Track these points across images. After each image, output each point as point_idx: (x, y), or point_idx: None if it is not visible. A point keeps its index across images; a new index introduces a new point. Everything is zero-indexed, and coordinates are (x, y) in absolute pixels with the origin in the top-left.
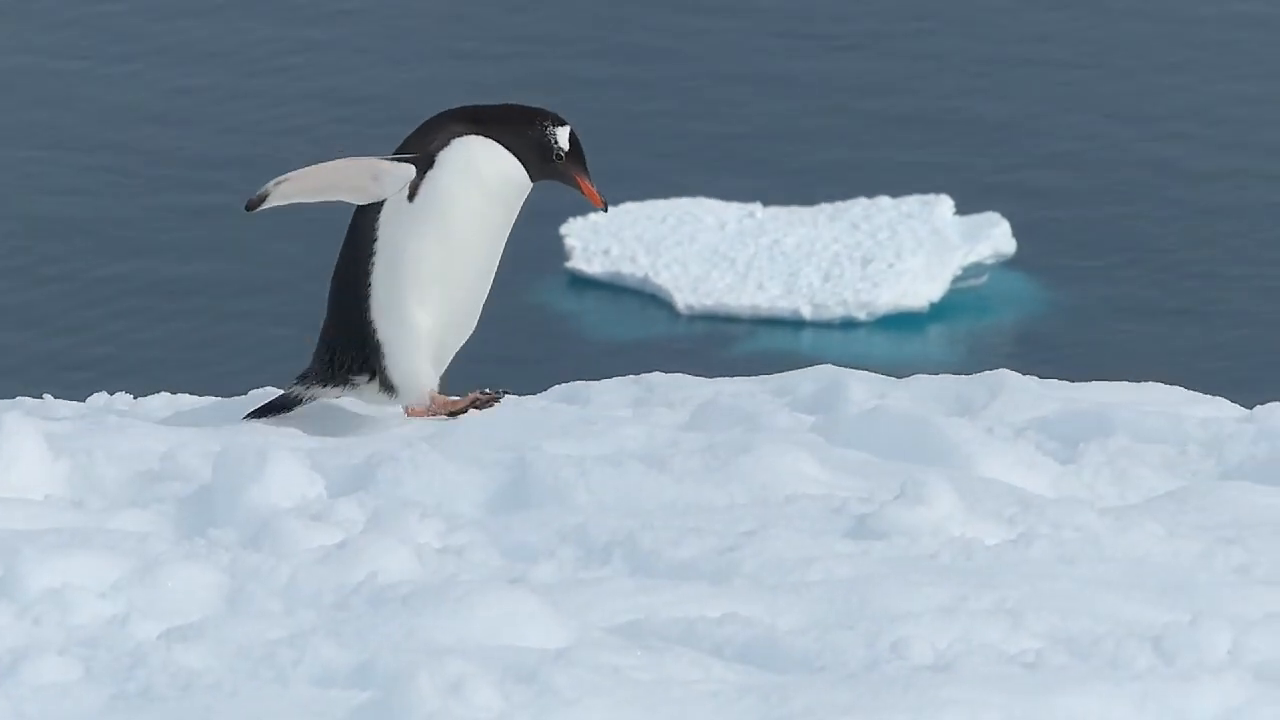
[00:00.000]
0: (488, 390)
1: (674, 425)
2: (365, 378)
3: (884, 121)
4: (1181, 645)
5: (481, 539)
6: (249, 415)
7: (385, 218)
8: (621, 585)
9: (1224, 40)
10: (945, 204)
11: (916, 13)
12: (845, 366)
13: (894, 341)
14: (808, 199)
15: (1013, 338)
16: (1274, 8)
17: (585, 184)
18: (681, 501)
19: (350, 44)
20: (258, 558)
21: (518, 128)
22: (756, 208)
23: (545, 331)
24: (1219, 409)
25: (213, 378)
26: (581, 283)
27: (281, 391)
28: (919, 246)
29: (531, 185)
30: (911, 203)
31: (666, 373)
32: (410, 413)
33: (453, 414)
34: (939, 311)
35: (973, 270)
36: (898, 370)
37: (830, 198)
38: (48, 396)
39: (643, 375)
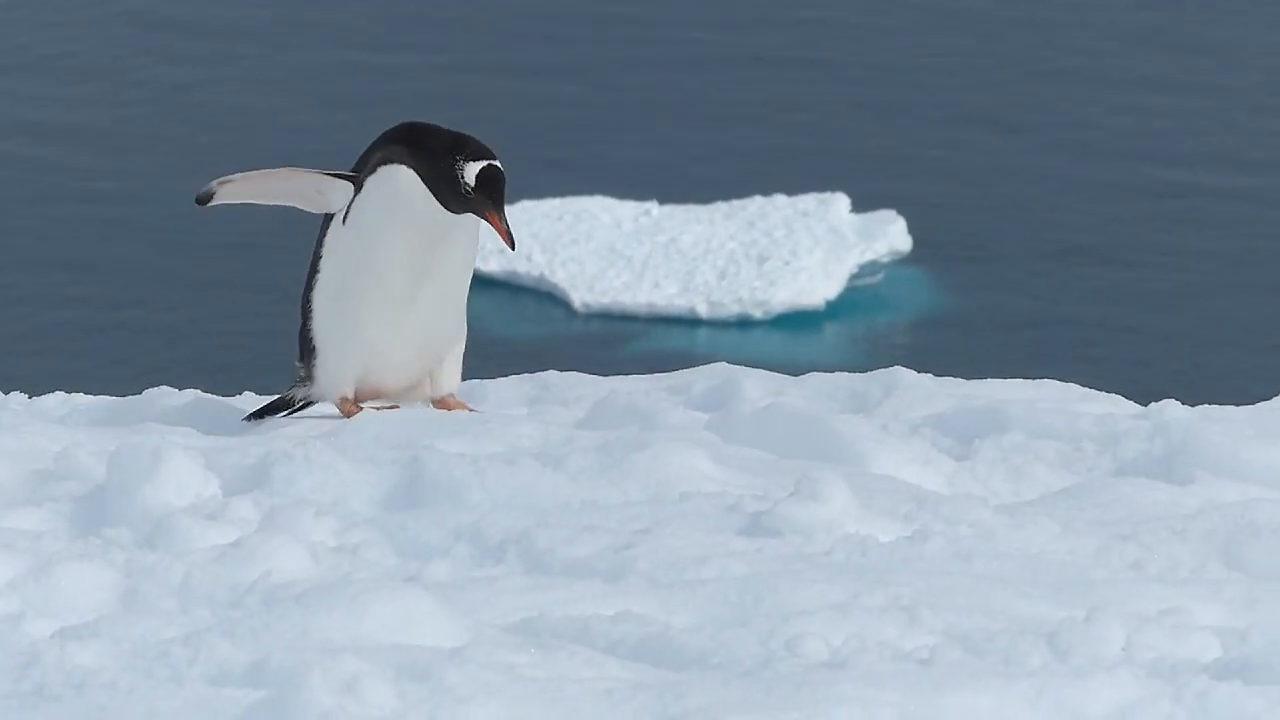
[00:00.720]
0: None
1: (569, 423)
2: (304, 370)
3: (780, 119)
4: (1076, 642)
5: (376, 537)
6: (248, 416)
7: (328, 234)
8: (516, 583)
9: (1121, 45)
10: (841, 202)
11: (813, 12)
12: (741, 365)
13: (790, 340)
14: (704, 197)
15: (908, 335)
16: (1166, 16)
17: (494, 220)
18: (576, 499)
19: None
20: (152, 557)
21: (435, 159)
22: (652, 206)
23: None
24: (1114, 406)
25: (107, 379)
26: (477, 281)
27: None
28: (815, 245)
29: (455, 215)
30: (808, 201)
31: (562, 371)
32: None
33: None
34: (835, 309)
35: (869, 268)
36: (794, 368)
37: (726, 196)
38: None
39: (538, 373)
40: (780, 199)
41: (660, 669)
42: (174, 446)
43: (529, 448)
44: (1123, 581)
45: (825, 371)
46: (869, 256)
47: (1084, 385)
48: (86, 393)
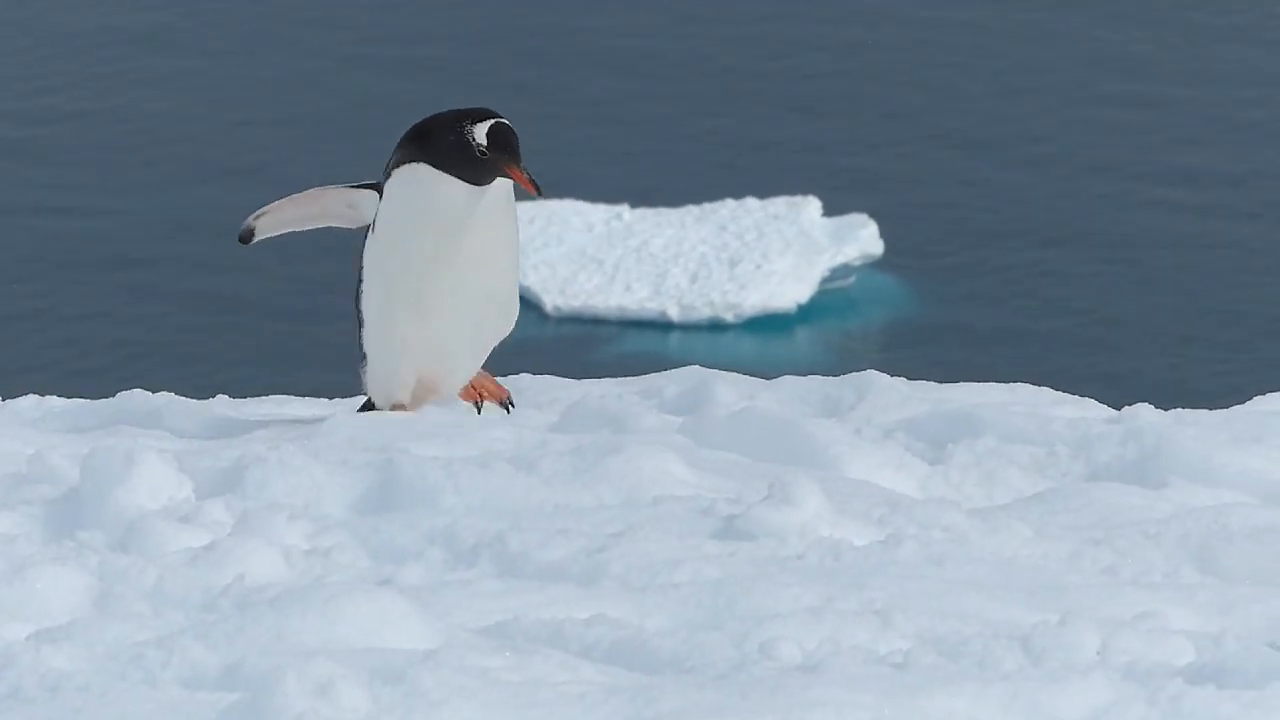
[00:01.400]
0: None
1: (542, 427)
2: (362, 378)
3: (751, 123)
4: (1049, 646)
5: (349, 541)
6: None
7: (365, 247)
8: (489, 587)
9: (1090, 59)
10: (813, 205)
11: (783, 12)
12: (713, 368)
13: (762, 343)
14: (675, 201)
15: (881, 339)
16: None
17: (516, 173)
18: (549, 503)
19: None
20: (126, 560)
21: (442, 140)
22: (624, 209)
23: None
24: (1087, 410)
25: (85, 381)
26: None
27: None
28: (786, 248)
29: (484, 188)
30: (779, 204)
31: (534, 374)
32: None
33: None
34: (806, 313)
35: (840, 272)
36: (766, 372)
37: (698, 199)
38: None
39: (510, 377)
40: (752, 202)
41: (634, 672)
42: (147, 449)
43: (502, 451)
44: (1096, 586)
45: (798, 375)
46: (840, 260)
47: (1057, 389)
48: (60, 395)
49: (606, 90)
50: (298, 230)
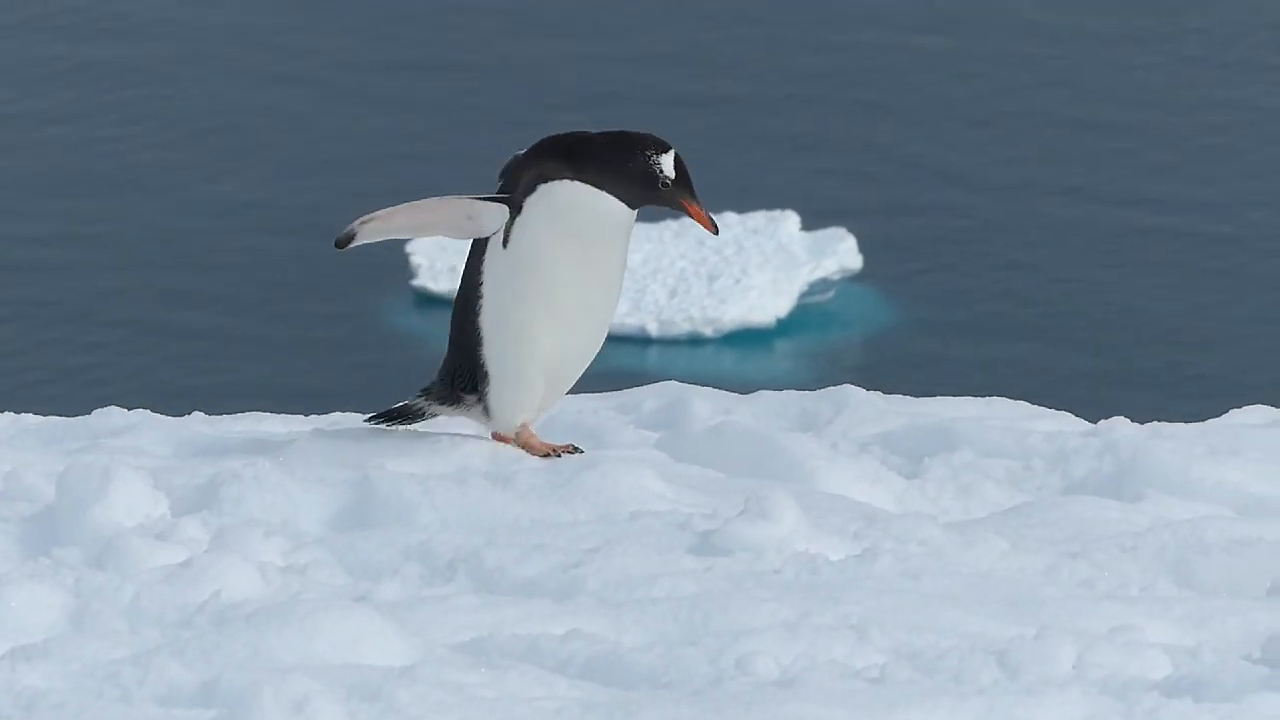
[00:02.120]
0: (575, 447)
1: None
2: (474, 399)
3: (728, 137)
4: (1026, 659)
5: (326, 557)
6: (370, 419)
7: (488, 259)
8: (465, 603)
9: (1073, 73)
10: (791, 220)
11: (759, 26)
12: (691, 383)
13: (740, 358)
14: (653, 215)
15: (859, 353)
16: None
17: (694, 209)
18: (525, 519)
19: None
20: (102, 577)
21: (619, 161)
22: None
23: (391, 349)
24: (1063, 423)
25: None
26: (427, 300)
27: (403, 402)
28: (765, 262)
29: (634, 213)
30: (757, 219)
31: None
32: (495, 438)
33: (529, 451)
34: (785, 327)
35: (819, 286)
36: (744, 386)
37: (676, 214)
38: None
39: None
40: (730, 217)
41: (610, 688)
42: (123, 466)
43: (478, 467)
44: (1073, 599)
45: (775, 390)
46: (819, 274)
47: (1034, 403)
48: (35, 413)
49: (581, 103)
50: (398, 238)
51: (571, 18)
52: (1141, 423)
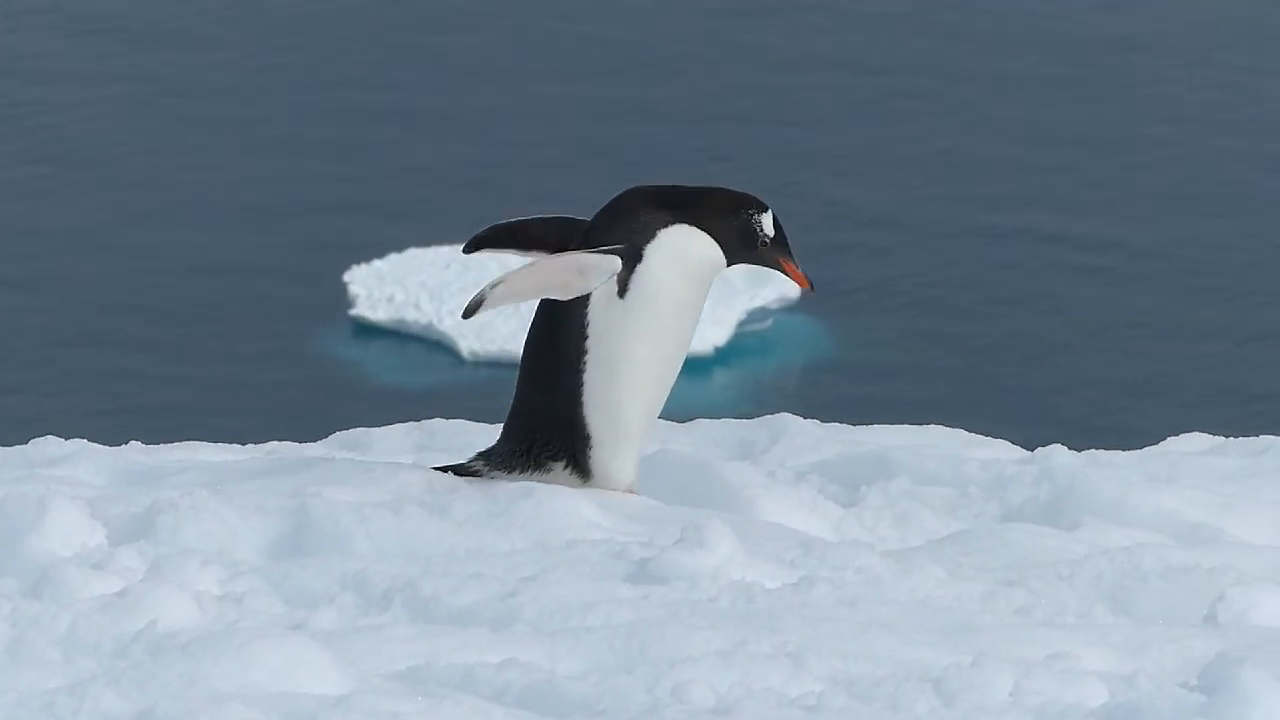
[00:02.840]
0: None
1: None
2: (562, 464)
3: (666, 166)
4: (962, 687)
5: (262, 586)
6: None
7: (595, 312)
8: (402, 631)
9: (997, 92)
10: None
11: (695, 48)
12: None
13: (678, 386)
14: None
15: (797, 382)
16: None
17: (790, 268)
18: (461, 547)
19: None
20: (38, 606)
21: (722, 214)
22: (541, 255)
23: (328, 379)
24: (999, 451)
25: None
26: (365, 330)
27: (457, 463)
28: None
29: (727, 268)
30: None
31: (448, 419)
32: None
33: None
34: (723, 356)
35: (757, 315)
36: (682, 415)
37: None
38: None
39: (424, 421)
40: None
41: (546, 717)
42: (59, 496)
43: (415, 496)
44: (1009, 627)
45: (713, 418)
46: (757, 303)
47: (971, 431)
48: None
49: (519, 134)
50: (519, 302)
51: (508, 66)
52: (1078, 450)
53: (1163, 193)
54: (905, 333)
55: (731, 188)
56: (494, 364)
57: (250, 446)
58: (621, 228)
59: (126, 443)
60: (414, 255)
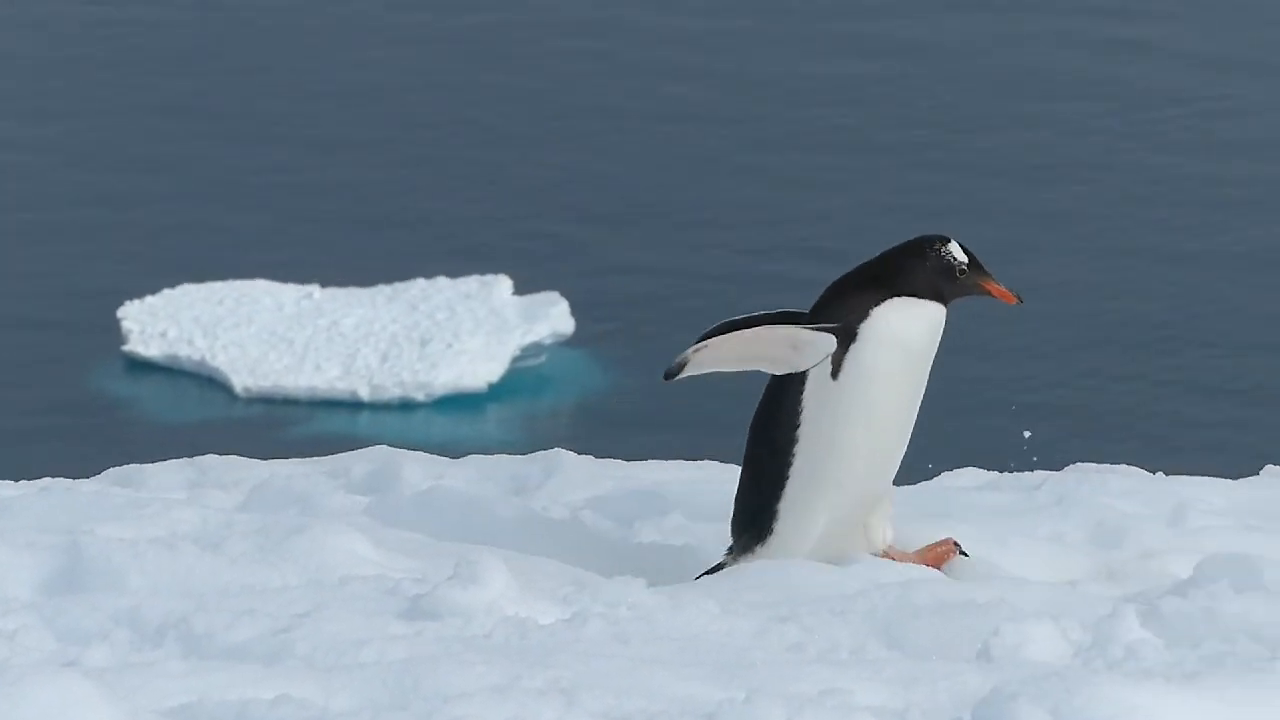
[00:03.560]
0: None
1: (228, 507)
2: (757, 547)
3: (440, 202)
4: None
5: (35, 622)
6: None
7: (809, 394)
8: (174, 668)
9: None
10: (504, 284)
11: (466, 91)
12: (402, 448)
13: (453, 422)
14: (366, 280)
15: (571, 417)
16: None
17: (995, 288)
18: (235, 583)
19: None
20: None
21: (915, 267)
22: (314, 289)
23: (100, 415)
24: None
25: None
26: (138, 366)
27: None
28: (477, 327)
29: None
30: (470, 283)
31: (221, 455)
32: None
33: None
34: (497, 392)
35: (531, 350)
36: (456, 451)
37: (389, 278)
38: None
39: (197, 458)
40: (442, 281)
41: None
42: None
43: (188, 532)
44: (782, 663)
45: (487, 454)
46: (531, 338)
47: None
48: None
49: (295, 168)
50: (722, 370)
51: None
52: None
53: None
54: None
55: (899, 242)
56: (268, 399)
57: (22, 483)
58: (835, 309)
59: None
60: (187, 290)
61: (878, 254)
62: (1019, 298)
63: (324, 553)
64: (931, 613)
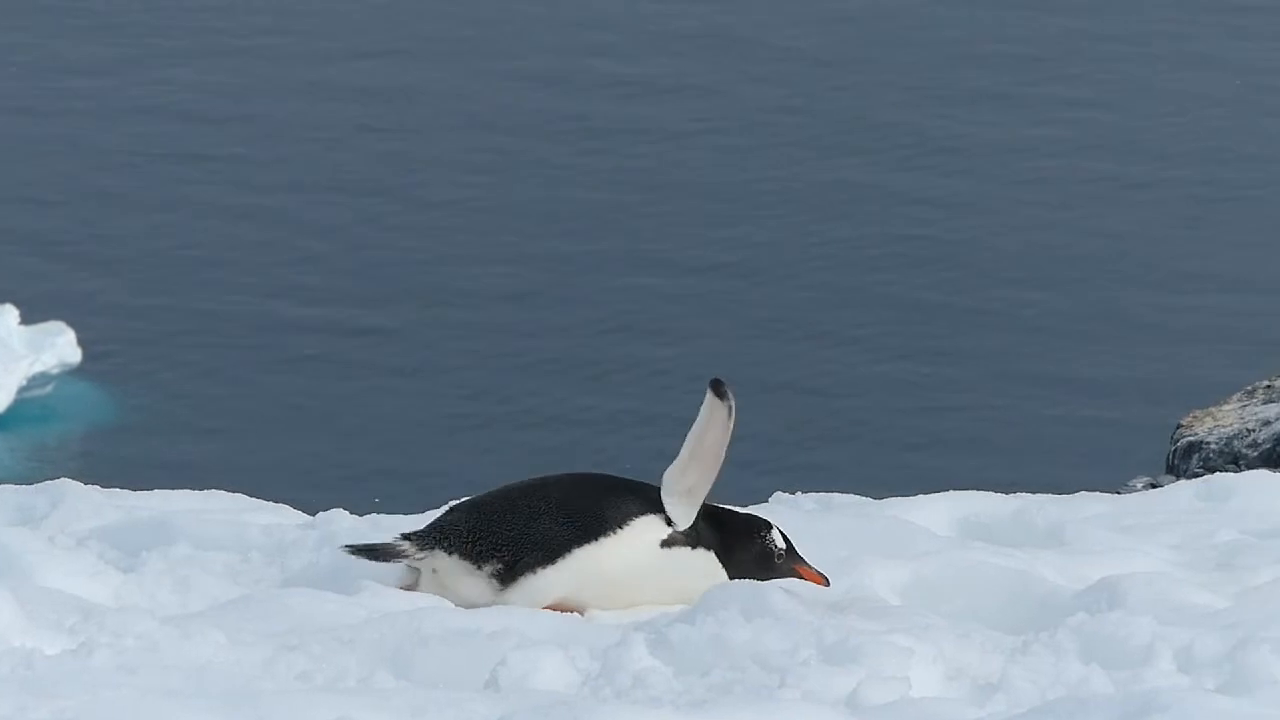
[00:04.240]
0: None
1: None
2: None
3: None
4: None
5: None
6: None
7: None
8: None
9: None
10: (10, 314)
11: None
12: None
13: None
14: None
15: (79, 447)
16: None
17: (806, 570)
18: None
19: None
20: None
21: (746, 550)
22: None
23: None
24: (281, 516)
25: None
26: None
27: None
28: None
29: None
30: None
31: None
32: None
33: None
34: (3, 422)
35: (38, 380)
36: None
37: None
38: None
39: None
40: None
41: None
42: None
43: None
44: (291, 692)
45: None
46: (38, 368)
47: (251, 496)
48: None
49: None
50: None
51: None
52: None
53: None
54: (182, 400)
55: (742, 512)
56: None
57: None
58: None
59: None
60: None
61: (732, 511)
62: (828, 581)
63: None
64: (439, 641)
